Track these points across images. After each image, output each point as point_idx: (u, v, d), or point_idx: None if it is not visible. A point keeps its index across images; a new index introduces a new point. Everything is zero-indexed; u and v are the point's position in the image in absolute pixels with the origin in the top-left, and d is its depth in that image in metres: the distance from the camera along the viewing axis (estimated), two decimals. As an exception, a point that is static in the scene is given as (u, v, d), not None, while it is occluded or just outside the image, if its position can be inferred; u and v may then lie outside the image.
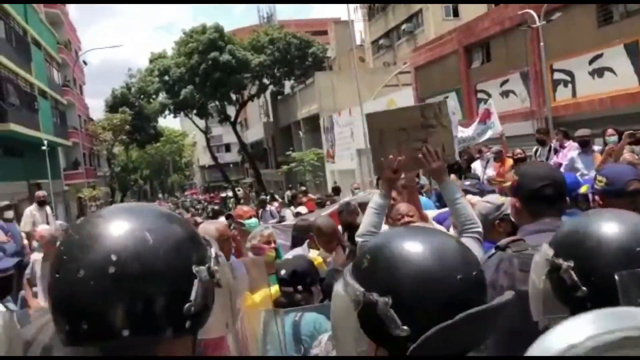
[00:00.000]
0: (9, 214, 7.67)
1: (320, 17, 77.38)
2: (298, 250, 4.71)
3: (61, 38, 35.94)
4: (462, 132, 11.23)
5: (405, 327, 0.92)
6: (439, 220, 5.19)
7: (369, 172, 22.97)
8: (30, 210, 9.02)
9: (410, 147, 2.59)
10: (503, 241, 1.93)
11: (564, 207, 2.30)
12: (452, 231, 3.29)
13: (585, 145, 7.66)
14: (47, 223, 9.52)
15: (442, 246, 0.99)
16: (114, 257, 0.84)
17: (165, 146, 64.75)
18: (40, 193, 9.37)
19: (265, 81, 39.98)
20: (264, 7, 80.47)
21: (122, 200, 45.29)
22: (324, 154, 32.40)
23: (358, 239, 2.61)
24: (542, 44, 13.18)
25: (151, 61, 42.63)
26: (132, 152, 54.33)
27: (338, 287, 1.05)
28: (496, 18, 17.48)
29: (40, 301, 5.66)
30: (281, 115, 42.46)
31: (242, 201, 41.25)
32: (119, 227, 0.88)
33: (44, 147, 24.43)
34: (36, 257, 6.10)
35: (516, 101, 16.99)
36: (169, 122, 63.10)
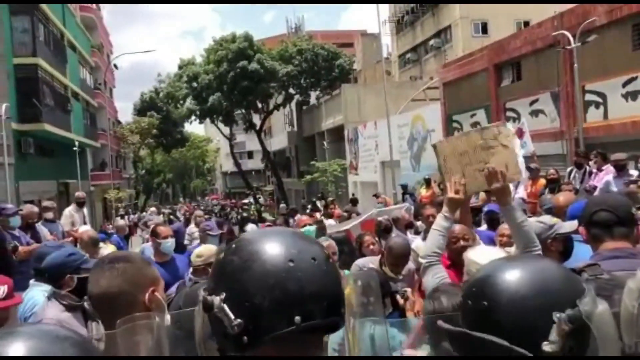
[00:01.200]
0: (50, 214, 7.90)
1: (347, 29, 77.88)
2: (363, 261, 4.82)
3: (95, 42, 36.72)
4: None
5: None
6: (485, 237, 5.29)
7: (393, 185, 23.06)
8: (69, 211, 9.26)
9: (472, 169, 2.70)
10: (578, 265, 2.03)
11: (629, 233, 2.38)
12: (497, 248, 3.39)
13: (621, 169, 7.68)
14: (85, 224, 9.78)
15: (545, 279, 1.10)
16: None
17: (190, 151, 65.47)
18: (80, 194, 9.62)
19: (292, 91, 40.33)
20: (293, 18, 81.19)
21: (145, 203, 45.95)
22: (347, 165, 32.53)
23: (422, 260, 2.72)
24: (576, 65, 13.17)
25: (180, 67, 43.31)
26: (156, 156, 55.03)
27: None
28: (528, 37, 17.49)
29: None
30: (305, 125, 42.74)
31: (264, 208, 41.56)
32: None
33: (75, 148, 24.94)
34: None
35: (545, 121, 16.94)
36: (193, 128, 64.18)
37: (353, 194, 24.06)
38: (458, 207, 2.86)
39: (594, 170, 8.46)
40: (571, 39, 13.53)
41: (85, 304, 3.11)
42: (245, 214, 26.87)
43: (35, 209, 6.97)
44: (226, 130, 47.18)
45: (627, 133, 13.57)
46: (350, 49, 46.54)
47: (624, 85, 13.89)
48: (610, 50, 13.99)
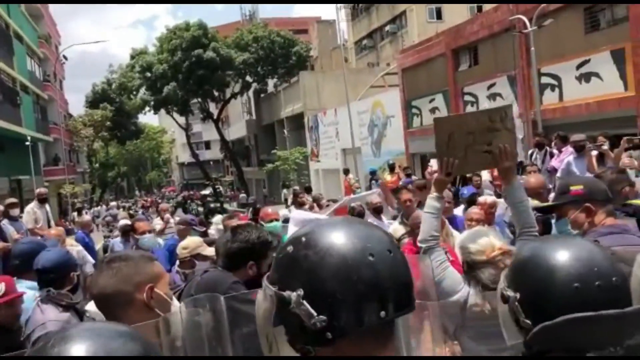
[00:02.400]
0: (15, 211, 7.64)
1: (301, 16, 77.53)
2: None
3: (42, 32, 35.40)
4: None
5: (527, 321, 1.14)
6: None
7: (355, 171, 23.21)
8: (32, 208, 8.97)
9: (476, 149, 2.74)
10: None
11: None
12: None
13: (580, 149, 7.93)
14: (49, 220, 9.51)
15: (589, 254, 1.16)
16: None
17: (144, 143, 64.16)
18: (42, 190, 9.31)
19: (249, 79, 39.96)
20: (247, 5, 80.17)
21: (101, 197, 44.87)
22: (308, 153, 32.56)
23: (421, 245, 2.76)
24: (532, 48, 13.51)
25: (132, 57, 42.26)
26: (110, 149, 53.75)
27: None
28: (485, 22, 17.80)
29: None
30: (264, 113, 42.46)
31: (226, 199, 41.20)
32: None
33: (27, 143, 24.09)
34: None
35: (502, 104, 17.33)
36: (147, 119, 62.88)
37: (307, 184, 24.07)
38: (445, 187, 2.92)
39: (555, 152, 8.72)
40: (527, 23, 13.84)
41: (78, 303, 3.05)
42: (212, 205, 26.71)
43: (0, 207, 6.72)
44: (182, 120, 46.42)
45: (581, 114, 14.03)
46: (305, 36, 46.36)
47: (578, 67, 14.33)
48: (564, 34, 14.39)
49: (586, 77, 14.14)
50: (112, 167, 55.95)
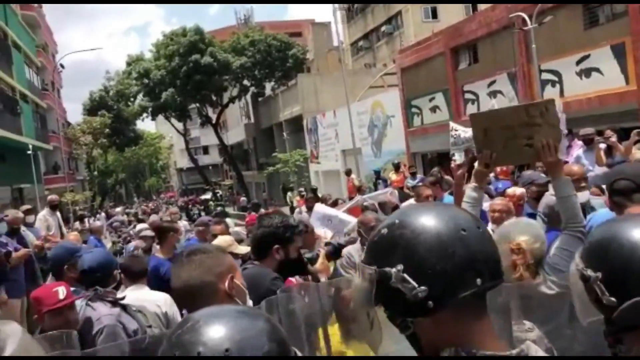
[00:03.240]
0: (31, 218, 7.69)
1: (295, 19, 77.57)
2: (347, 250, 4.88)
3: (39, 41, 35.41)
4: (464, 132, 11.59)
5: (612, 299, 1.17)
6: None
7: (357, 172, 23.27)
8: (44, 215, 9.02)
9: (516, 143, 2.81)
10: None
11: None
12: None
13: (589, 142, 8.03)
14: (60, 227, 9.56)
15: None
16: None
17: (142, 149, 64.13)
18: (53, 197, 9.37)
19: (246, 83, 40.03)
20: (241, 9, 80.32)
21: (101, 204, 44.83)
22: (308, 155, 32.63)
23: None
24: (534, 46, 13.61)
25: (129, 64, 42.33)
26: (108, 156, 53.74)
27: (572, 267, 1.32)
28: (483, 20, 17.91)
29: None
30: (262, 117, 42.52)
31: (227, 202, 41.21)
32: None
33: (29, 152, 24.11)
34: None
35: (504, 101, 17.40)
36: (144, 125, 62.94)
37: (312, 187, 24.11)
38: (485, 178, 2.99)
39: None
40: (528, 20, 13.94)
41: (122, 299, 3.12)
42: (217, 209, 26.77)
43: (20, 214, 6.79)
44: (179, 125, 46.48)
45: (582, 109, 14.12)
46: (299, 39, 46.45)
47: (578, 63, 14.45)
48: (563, 30, 14.50)
49: (586, 73, 14.26)
50: (110, 174, 55.93)
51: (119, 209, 25.88)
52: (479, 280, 1.10)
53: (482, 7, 23.97)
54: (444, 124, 20.00)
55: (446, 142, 21.09)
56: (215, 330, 0.96)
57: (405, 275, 1.10)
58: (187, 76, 36.78)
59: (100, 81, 46.40)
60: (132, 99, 42.94)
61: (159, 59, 38.89)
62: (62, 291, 2.71)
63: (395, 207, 7.50)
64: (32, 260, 6.64)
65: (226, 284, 1.77)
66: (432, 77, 20.81)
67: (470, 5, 33.19)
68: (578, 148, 8.20)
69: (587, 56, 14.11)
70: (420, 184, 7.63)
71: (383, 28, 36.92)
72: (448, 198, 6.94)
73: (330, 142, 29.67)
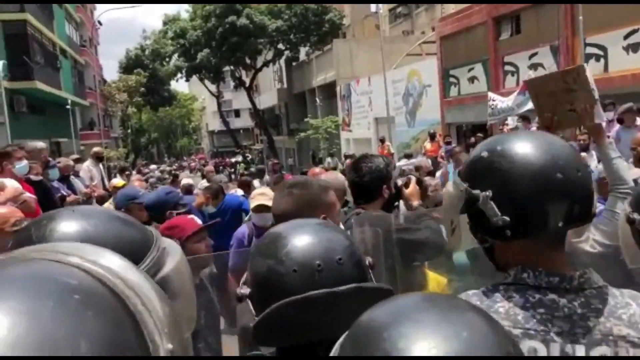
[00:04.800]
0: (79, 167, 7.95)
1: (332, -17, 76.25)
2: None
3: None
4: (502, 102, 11.48)
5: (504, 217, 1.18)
6: None
7: (390, 141, 23.19)
8: (87, 166, 9.28)
9: (562, 108, 2.85)
10: None
11: None
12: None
13: (622, 122, 7.92)
14: (103, 179, 9.84)
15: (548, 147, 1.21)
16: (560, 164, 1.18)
17: (175, 110, 64.72)
18: (99, 149, 9.63)
19: (281, 47, 39.84)
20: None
21: (134, 162, 45.69)
22: (340, 122, 32.54)
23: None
24: (580, 17, 13.24)
25: (165, 23, 42.43)
26: (142, 115, 54.43)
27: None
28: (528, -10, 17.42)
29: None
30: (295, 82, 42.39)
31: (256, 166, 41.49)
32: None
33: (68, 107, 24.62)
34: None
35: (545, 73, 17.09)
36: (177, 86, 63.33)
37: (349, 152, 24.11)
38: (601, 131, 3.01)
39: (606, 120, 8.66)
40: (577, -10, 13.54)
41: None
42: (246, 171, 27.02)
43: (70, 162, 7.03)
44: (212, 88, 46.70)
45: (626, 85, 13.76)
46: (336, 4, 45.80)
47: (625, 37, 14.03)
48: (612, 3, 14.05)
49: (634, 48, 13.85)
50: (143, 133, 56.74)
51: (153, 166, 26.46)
52: (560, 223, 1.17)
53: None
54: (482, 95, 19.78)
55: (482, 113, 20.82)
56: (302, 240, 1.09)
57: (492, 203, 1.18)
58: (222, 38, 36.74)
59: (136, 40, 46.82)
60: (167, 59, 43.17)
61: (195, 19, 38.88)
62: (196, 218, 2.84)
63: (430, 173, 7.55)
64: (80, 207, 6.89)
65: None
66: (472, 46, 20.42)
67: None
68: (616, 125, 8.09)
69: (636, 30, 13.68)
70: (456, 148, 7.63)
71: (422, -5, 36.12)
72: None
73: (364, 109, 29.50)
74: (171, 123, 70.31)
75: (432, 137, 14.86)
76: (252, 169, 25.78)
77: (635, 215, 1.31)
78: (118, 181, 7.95)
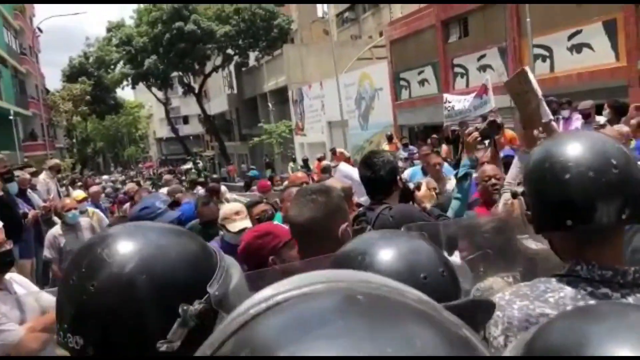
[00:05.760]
0: (35, 180, 7.63)
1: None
2: None
3: (17, 4, 34.45)
4: (459, 103, 11.69)
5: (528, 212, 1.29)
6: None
7: (344, 145, 23.34)
8: (44, 179, 8.95)
9: (528, 108, 2.97)
10: None
11: None
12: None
13: (587, 116, 8.22)
14: (59, 192, 9.51)
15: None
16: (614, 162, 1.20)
17: (121, 118, 63.21)
18: (56, 161, 9.29)
19: (230, 52, 39.55)
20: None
21: (82, 172, 44.26)
22: (293, 127, 32.54)
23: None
24: (528, 19, 13.69)
25: (109, 30, 41.44)
26: (88, 124, 52.90)
27: None
28: (475, -7, 17.90)
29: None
30: (246, 87, 42.13)
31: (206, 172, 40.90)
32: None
33: (10, 117, 23.64)
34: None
35: (493, 75, 17.52)
36: (122, 94, 61.59)
37: (305, 157, 24.13)
38: (534, 140, 3.11)
39: (561, 118, 8.97)
40: (523, -6, 13.99)
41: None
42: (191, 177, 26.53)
43: (27, 175, 6.75)
44: (160, 94, 45.90)
45: (572, 85, 14.32)
46: (282, 9, 45.83)
47: (569, 38, 14.60)
48: (556, 5, 14.59)
49: (578, 48, 14.42)
50: (89, 142, 55.19)
51: (105, 177, 25.81)
52: (569, 222, 1.21)
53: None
54: (432, 97, 20.22)
55: (434, 115, 21.25)
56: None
57: (521, 198, 1.25)
58: (170, 44, 36.19)
59: (79, 47, 45.52)
60: (112, 67, 42.18)
61: (141, 25, 38.17)
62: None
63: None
64: (39, 222, 6.65)
65: (340, 230, 1.85)
66: (422, 50, 20.82)
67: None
68: (577, 121, 8.39)
69: (579, 32, 14.25)
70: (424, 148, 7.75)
71: (369, -1, 36.58)
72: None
73: (317, 113, 29.60)
74: (117, 132, 68.62)
75: (390, 139, 15.04)
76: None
77: (517, 188, 1.35)
78: (79, 193, 7.68)
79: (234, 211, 4.01)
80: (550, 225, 1.27)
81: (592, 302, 1.17)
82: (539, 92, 3.13)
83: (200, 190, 10.91)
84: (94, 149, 64.78)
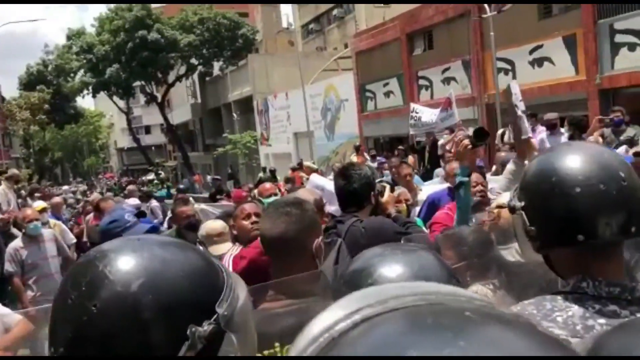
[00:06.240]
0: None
1: (242, -1, 76.14)
2: None
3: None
4: (425, 115, 11.82)
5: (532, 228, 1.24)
6: (435, 198, 5.60)
7: (310, 155, 23.37)
8: (3, 189, 8.64)
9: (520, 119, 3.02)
10: None
11: None
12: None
13: (553, 127, 8.41)
14: (17, 203, 9.20)
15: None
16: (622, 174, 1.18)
17: (81, 127, 61.82)
18: (15, 172, 8.97)
19: (194, 61, 39.21)
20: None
21: (39, 182, 42.95)
22: (258, 137, 32.39)
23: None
24: (492, 33, 13.98)
25: (69, 38, 40.59)
26: (46, 133, 51.52)
27: None
28: (439, 7, 18.21)
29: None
30: (210, 96, 41.80)
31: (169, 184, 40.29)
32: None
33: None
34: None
35: (457, 88, 17.84)
36: (82, 103, 59.85)
37: (272, 167, 23.97)
38: (529, 151, 3.16)
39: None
40: (487, 8, 14.29)
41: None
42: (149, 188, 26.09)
43: (-14, 186, 6.49)
44: (121, 104, 45.11)
45: (533, 97, 14.65)
46: (246, 19, 45.77)
47: (531, 52, 14.99)
48: (517, 20, 14.95)
49: (539, 62, 14.82)
50: (47, 152, 53.72)
51: (65, 187, 25.17)
52: (580, 236, 1.18)
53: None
54: (398, 109, 20.44)
55: (399, 126, 21.42)
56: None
57: (522, 212, 1.20)
58: (132, 52, 35.64)
59: (37, 54, 44.31)
60: (72, 75, 41.27)
61: (102, 33, 37.54)
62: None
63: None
64: (-3, 235, 6.41)
65: (314, 244, 1.79)
66: (387, 62, 21.04)
67: None
68: (542, 133, 8.57)
69: (540, 46, 14.65)
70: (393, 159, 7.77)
71: (334, 12, 36.85)
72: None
73: (282, 124, 29.55)
74: (77, 141, 67.05)
75: (358, 149, 15.11)
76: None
77: (515, 202, 1.29)
78: (40, 204, 7.43)
79: (217, 232, 3.89)
80: (558, 240, 1.23)
81: (601, 320, 1.15)
82: (520, 108, 3.17)
83: (154, 202, 10.68)
84: (52, 159, 63.07)
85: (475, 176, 4.02)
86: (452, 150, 3.73)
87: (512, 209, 1.31)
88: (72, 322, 0.78)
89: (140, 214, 3.48)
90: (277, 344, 1.48)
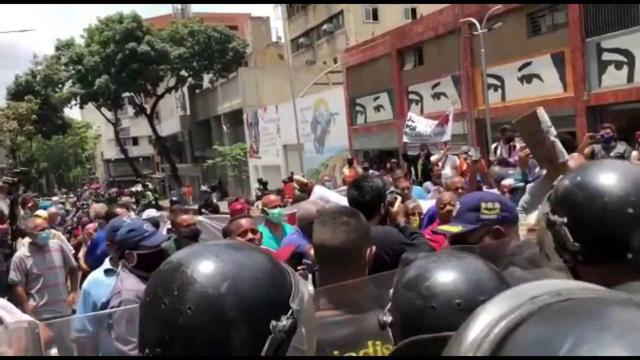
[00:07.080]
0: None
1: (232, 12, 76.61)
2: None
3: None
4: (421, 126, 11.95)
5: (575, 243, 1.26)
6: (434, 212, 5.69)
7: (300, 168, 23.42)
8: (-4, 200, 8.57)
9: (543, 146, 3.10)
10: None
11: None
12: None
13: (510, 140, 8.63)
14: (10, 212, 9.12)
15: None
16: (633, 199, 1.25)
17: (67, 138, 61.36)
18: (8, 180, 8.88)
19: (184, 74, 39.28)
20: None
21: (25, 193, 42.53)
22: (248, 149, 32.44)
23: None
24: (482, 50, 14.21)
25: (58, 48, 40.51)
26: (32, 144, 51.12)
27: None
28: (430, 24, 18.49)
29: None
30: (199, 109, 41.84)
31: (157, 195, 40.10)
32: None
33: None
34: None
35: (447, 103, 18.08)
36: (70, 113, 59.32)
37: (262, 178, 23.98)
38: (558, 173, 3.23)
39: (517, 145, 9.32)
40: (478, 25, 14.53)
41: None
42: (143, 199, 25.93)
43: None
44: (109, 114, 44.96)
45: (522, 113, 14.83)
46: (236, 32, 45.99)
47: (520, 69, 15.25)
48: (507, 37, 15.21)
49: (528, 79, 15.08)
50: (33, 163, 53.24)
51: (55, 198, 24.99)
52: (629, 255, 1.25)
53: (424, 11, 24.69)
54: (387, 123, 20.64)
55: (389, 140, 21.53)
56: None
57: (565, 229, 1.25)
58: (122, 64, 35.64)
59: (24, 65, 44.03)
60: (60, 85, 41.15)
61: (91, 44, 37.52)
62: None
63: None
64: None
65: (367, 253, 1.85)
66: (377, 76, 21.26)
67: (410, 9, 34.15)
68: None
69: (529, 63, 14.92)
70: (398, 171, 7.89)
71: (324, 26, 37.20)
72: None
73: (272, 137, 29.64)
74: (63, 152, 66.52)
75: (350, 163, 15.22)
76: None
77: (556, 218, 1.31)
78: (42, 213, 7.40)
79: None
80: (605, 257, 1.28)
81: None
82: (553, 132, 3.24)
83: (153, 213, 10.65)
84: (37, 170, 62.46)
85: (447, 195, 4.18)
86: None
87: (552, 224, 1.35)
88: (167, 324, 0.84)
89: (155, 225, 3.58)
90: (336, 352, 1.53)
